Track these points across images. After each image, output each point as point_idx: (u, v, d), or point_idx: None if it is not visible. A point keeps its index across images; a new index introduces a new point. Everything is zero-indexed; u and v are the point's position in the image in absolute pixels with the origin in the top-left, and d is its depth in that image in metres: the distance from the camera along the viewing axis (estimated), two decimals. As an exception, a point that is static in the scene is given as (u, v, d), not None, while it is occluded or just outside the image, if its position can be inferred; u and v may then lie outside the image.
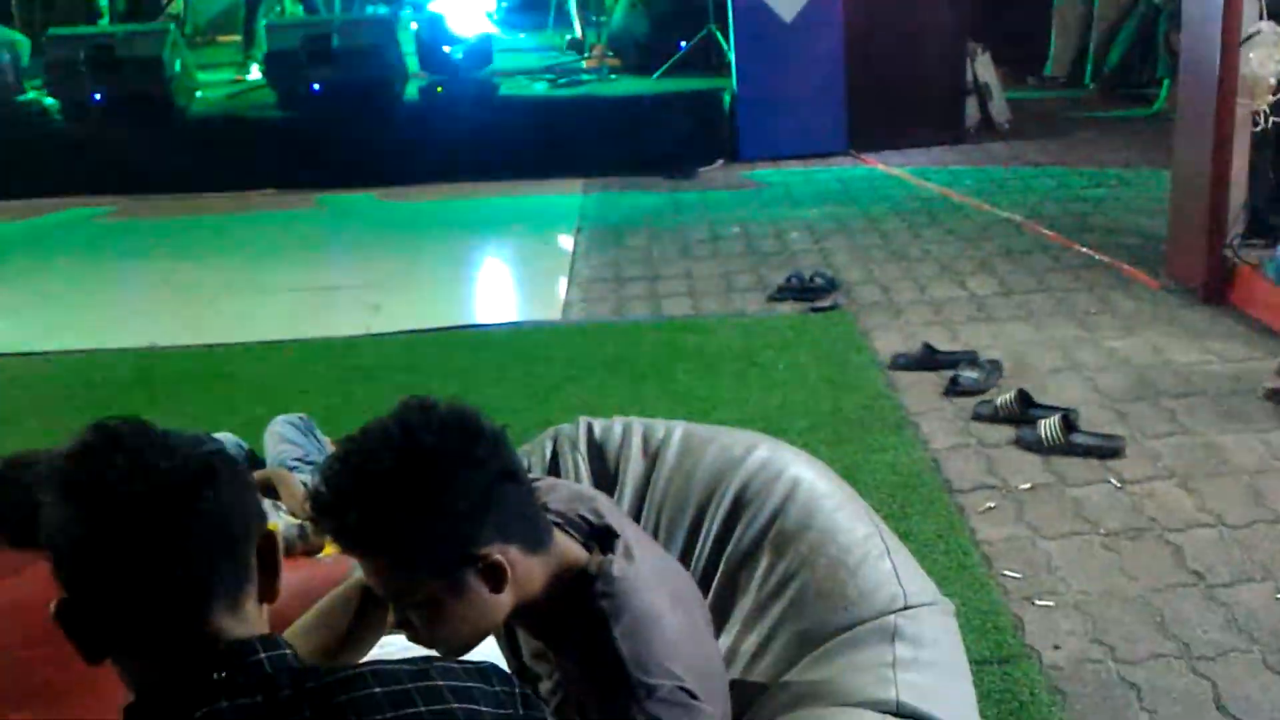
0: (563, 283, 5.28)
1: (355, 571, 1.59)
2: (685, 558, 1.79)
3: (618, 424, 1.98)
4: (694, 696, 1.43)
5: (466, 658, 1.30)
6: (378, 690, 1.10)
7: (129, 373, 4.45)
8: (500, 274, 6.16)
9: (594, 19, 8.62)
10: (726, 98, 7.29)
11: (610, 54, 8.22)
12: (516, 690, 1.22)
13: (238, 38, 8.92)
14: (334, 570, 2.09)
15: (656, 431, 1.94)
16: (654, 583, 1.51)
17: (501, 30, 9.62)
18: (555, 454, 1.94)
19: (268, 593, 1.18)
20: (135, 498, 1.07)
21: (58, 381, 4.38)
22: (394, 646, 1.60)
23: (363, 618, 1.58)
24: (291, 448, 3.18)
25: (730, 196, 6.68)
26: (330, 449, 3.10)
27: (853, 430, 3.62)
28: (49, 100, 7.43)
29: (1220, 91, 4.25)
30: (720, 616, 1.72)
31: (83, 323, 5.17)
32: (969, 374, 3.87)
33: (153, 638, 1.10)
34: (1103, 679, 2.45)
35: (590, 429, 1.97)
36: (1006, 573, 2.84)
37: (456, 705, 1.13)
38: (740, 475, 1.81)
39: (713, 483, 1.82)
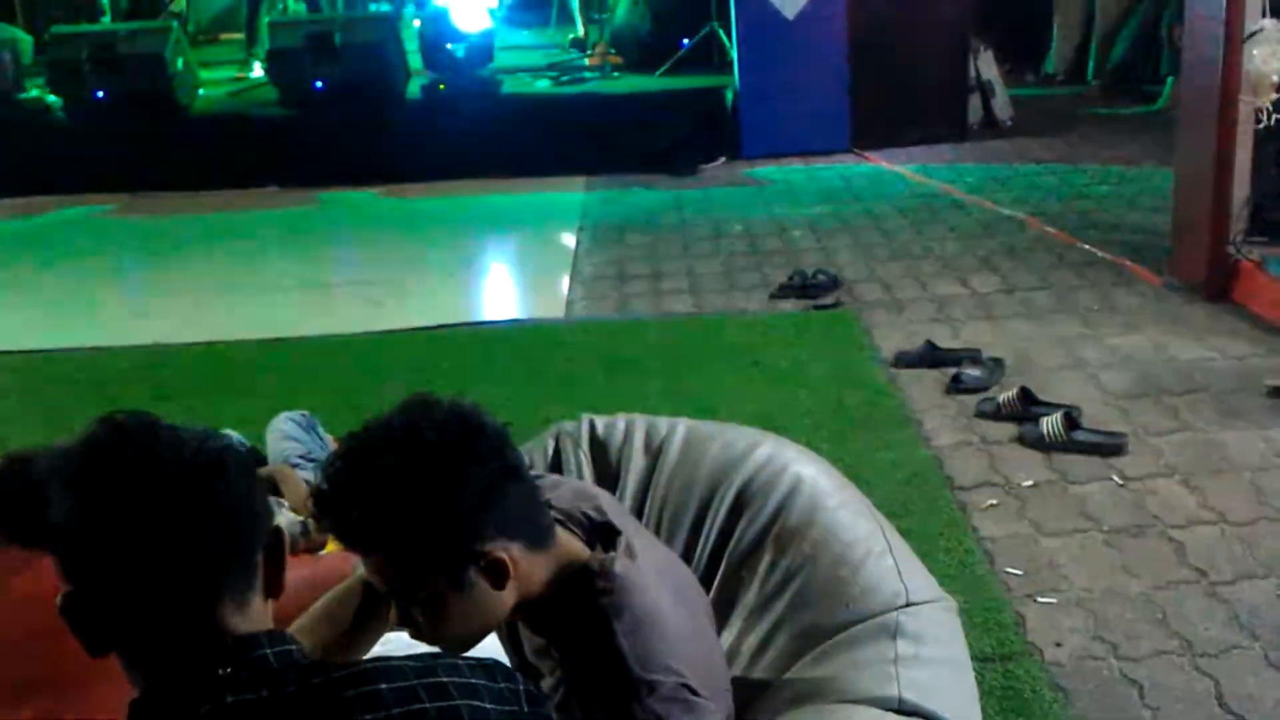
0: (565, 280, 5.28)
1: (358, 568, 1.59)
2: (687, 555, 1.79)
3: (620, 421, 1.98)
4: (696, 693, 1.43)
5: (470, 654, 1.30)
6: (384, 687, 1.10)
7: (132, 370, 4.45)
8: (503, 271, 6.17)
9: (596, 16, 8.61)
10: (729, 95, 7.28)
11: (613, 51, 8.20)
12: (520, 687, 1.21)
13: (240, 35, 8.92)
14: (336, 567, 2.09)
15: (659, 429, 1.94)
16: (656, 580, 1.51)
17: (503, 27, 9.60)
18: (558, 451, 1.95)
19: (273, 588, 1.17)
20: (145, 491, 1.07)
21: (60, 378, 4.38)
22: (396, 643, 1.60)
23: (365, 615, 1.58)
24: (294, 445, 3.18)
25: (733, 194, 6.68)
26: (332, 446, 3.10)
27: (855, 428, 3.62)
28: (51, 98, 7.44)
29: (1223, 88, 4.24)
30: (722, 613, 1.72)
31: (85, 320, 5.18)
32: (971, 371, 3.87)
33: (159, 632, 1.10)
34: (1105, 676, 2.45)
35: (592, 426, 1.97)
36: (1009, 570, 2.84)
37: (462, 702, 1.13)
38: (742, 473, 1.81)
39: (715, 480, 1.82)
